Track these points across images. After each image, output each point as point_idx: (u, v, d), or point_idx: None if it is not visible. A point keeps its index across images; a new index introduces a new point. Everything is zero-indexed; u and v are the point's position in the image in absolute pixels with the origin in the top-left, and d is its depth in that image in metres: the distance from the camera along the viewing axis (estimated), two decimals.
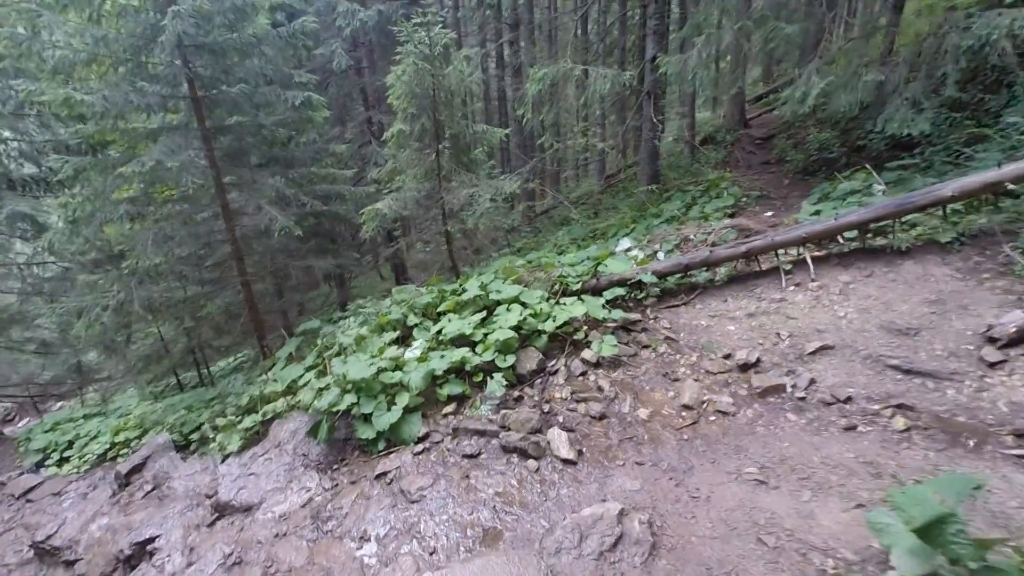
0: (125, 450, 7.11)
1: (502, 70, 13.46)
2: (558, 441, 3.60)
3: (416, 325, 5.41)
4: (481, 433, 3.90)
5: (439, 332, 4.97)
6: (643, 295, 5.64)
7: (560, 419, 3.94)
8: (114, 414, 9.19)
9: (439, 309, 5.43)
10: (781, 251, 5.55)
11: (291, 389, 5.50)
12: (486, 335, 4.70)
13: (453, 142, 6.21)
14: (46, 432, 8.91)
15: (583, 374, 4.42)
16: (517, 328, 4.66)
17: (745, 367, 4.22)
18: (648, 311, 5.38)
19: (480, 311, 5.10)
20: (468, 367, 4.49)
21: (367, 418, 4.18)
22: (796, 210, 7.89)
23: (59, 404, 15.15)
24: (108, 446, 7.39)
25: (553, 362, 4.61)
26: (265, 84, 6.16)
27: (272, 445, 4.49)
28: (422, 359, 4.61)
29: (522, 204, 12.79)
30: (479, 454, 3.73)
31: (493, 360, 4.42)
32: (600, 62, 11.34)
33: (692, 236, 6.98)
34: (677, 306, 5.47)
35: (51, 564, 5.01)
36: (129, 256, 5.51)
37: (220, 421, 5.43)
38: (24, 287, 11.01)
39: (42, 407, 15.19)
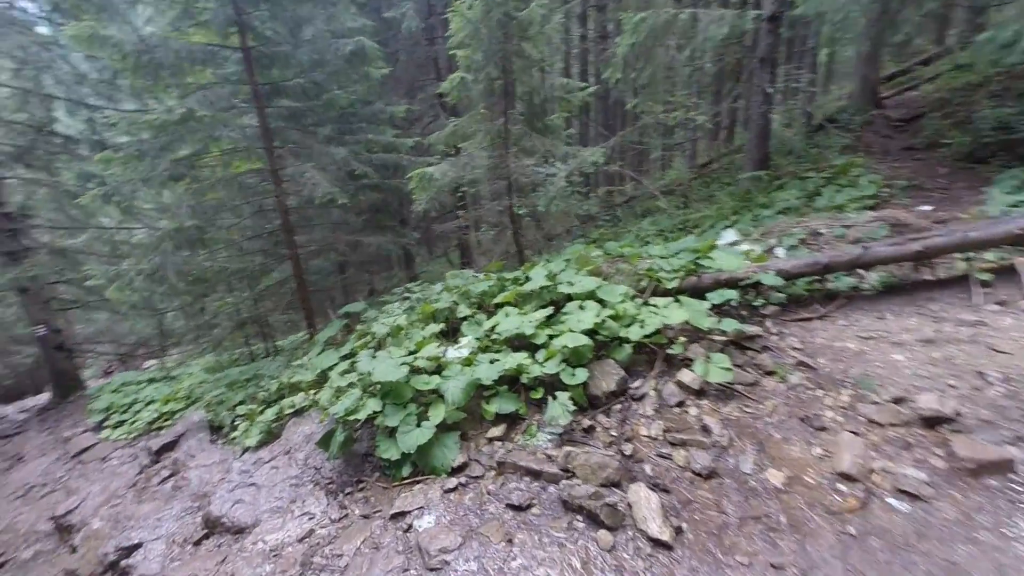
0: (168, 422, 6.87)
1: (584, 29, 12.10)
2: (645, 507, 2.46)
3: (467, 318, 4.45)
4: (535, 475, 2.85)
5: (492, 329, 3.97)
6: (761, 301, 4.28)
7: (647, 470, 2.79)
8: (175, 381, 9.21)
9: (496, 300, 4.43)
10: (972, 254, 3.96)
11: (323, 380, 4.77)
12: (551, 338, 3.63)
13: (526, 101, 5.15)
14: (112, 392, 9.07)
15: (680, 404, 3.22)
16: (592, 333, 3.55)
17: (933, 421, 2.81)
18: (769, 323, 4.03)
19: (545, 306, 4.03)
20: (525, 379, 3.45)
21: (392, 433, 3.27)
22: (967, 204, 6.07)
23: (148, 363, 16.12)
24: (156, 415, 7.21)
25: (638, 383, 3.44)
26: (316, 31, 5.46)
27: (282, 450, 3.74)
28: (468, 362, 3.64)
29: (601, 189, 11.49)
30: (529, 506, 2.68)
31: (558, 373, 3.34)
32: None
33: (823, 230, 5.45)
34: (809, 319, 4.07)
35: (64, 543, 4.66)
36: (168, 220, 5.10)
37: (242, 409, 4.82)
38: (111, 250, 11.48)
39: (132, 365, 16.28)
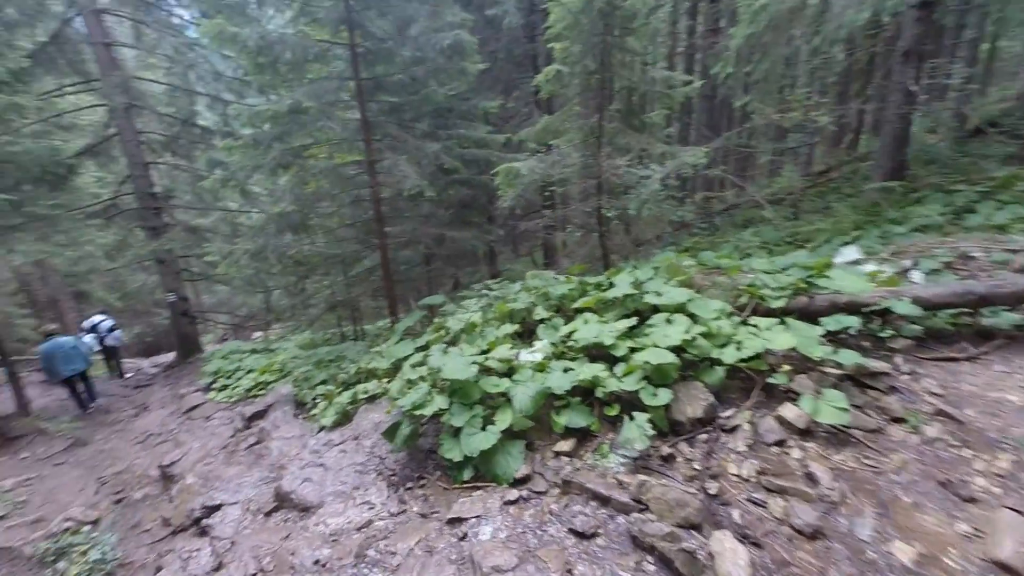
0: (262, 391, 7.45)
1: (694, 22, 11.33)
2: (731, 561, 2.11)
3: (544, 321, 4.26)
4: (603, 500, 2.59)
5: (570, 335, 3.75)
6: (889, 333, 3.62)
7: (736, 516, 2.42)
8: (272, 354, 10.02)
9: (576, 305, 4.19)
10: None
11: (396, 369, 4.85)
12: (632, 351, 3.33)
13: (623, 97, 4.85)
14: (222, 358, 10.07)
15: (780, 444, 2.78)
16: (679, 350, 3.20)
17: None
18: (899, 360, 3.39)
19: (629, 316, 3.73)
20: (600, 392, 3.19)
21: (456, 433, 3.18)
22: None
23: (256, 334, 17.87)
24: (253, 383, 7.86)
25: (729, 412, 3.04)
26: (420, 28, 5.58)
27: (352, 435, 3.81)
28: (540, 367, 3.45)
29: (698, 195, 10.73)
30: (594, 535, 2.43)
31: (637, 391, 3.04)
32: None
33: (976, 254, 4.55)
34: (954, 360, 3.36)
35: (166, 490, 5.17)
36: (272, 204, 5.51)
37: (322, 389, 5.03)
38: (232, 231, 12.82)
39: (242, 335, 18.17)
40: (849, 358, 3.11)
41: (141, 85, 11.43)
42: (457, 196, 7.95)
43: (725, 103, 11.46)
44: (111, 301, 20.38)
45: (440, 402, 3.27)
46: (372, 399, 4.33)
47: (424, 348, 4.65)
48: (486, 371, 3.47)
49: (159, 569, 3.41)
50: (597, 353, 3.53)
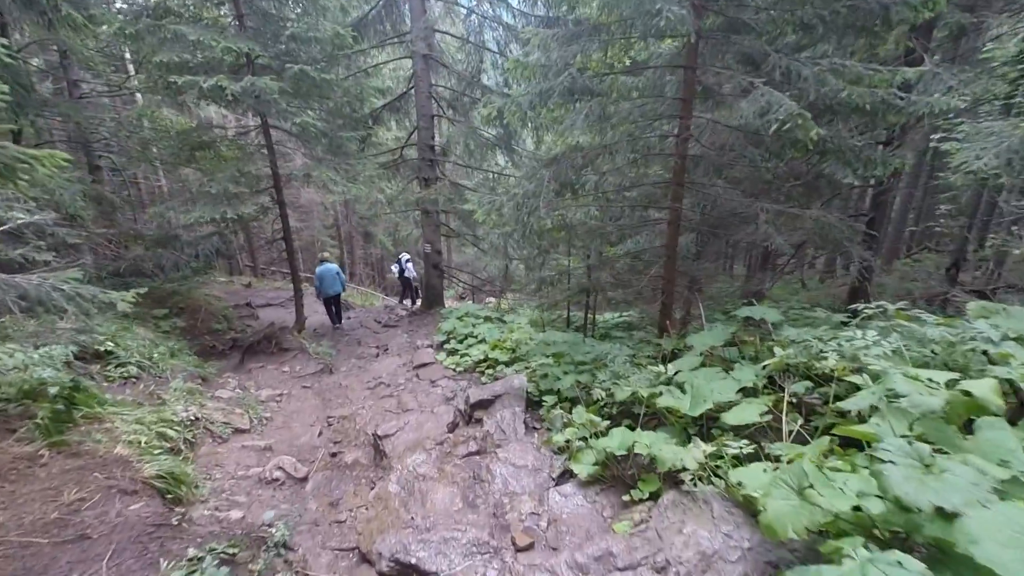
0: (490, 370, 6.38)
1: None
2: None
3: None
4: None
5: None
6: None
7: None
8: (504, 326, 9.18)
9: None
10: None
11: (714, 417, 2.78)
12: None
13: None
14: (457, 319, 9.70)
15: None
16: None
17: None
18: None
19: None
20: None
21: None
22: None
23: (489, 299, 18.33)
24: (482, 357, 6.91)
25: None
26: None
27: (651, 548, 1.88)
28: None
29: None
30: None
31: None
32: None
33: None
34: None
35: (375, 466, 4.29)
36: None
37: (564, 404, 3.31)
38: (492, 195, 12.64)
39: (479, 298, 18.86)
40: None
41: (440, 39, 11.80)
42: (798, 161, 5.30)
43: None
44: (387, 244, 23.90)
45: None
46: (677, 481, 2.37)
47: (767, 393, 2.43)
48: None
49: None
50: None
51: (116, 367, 5.60)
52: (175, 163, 9.42)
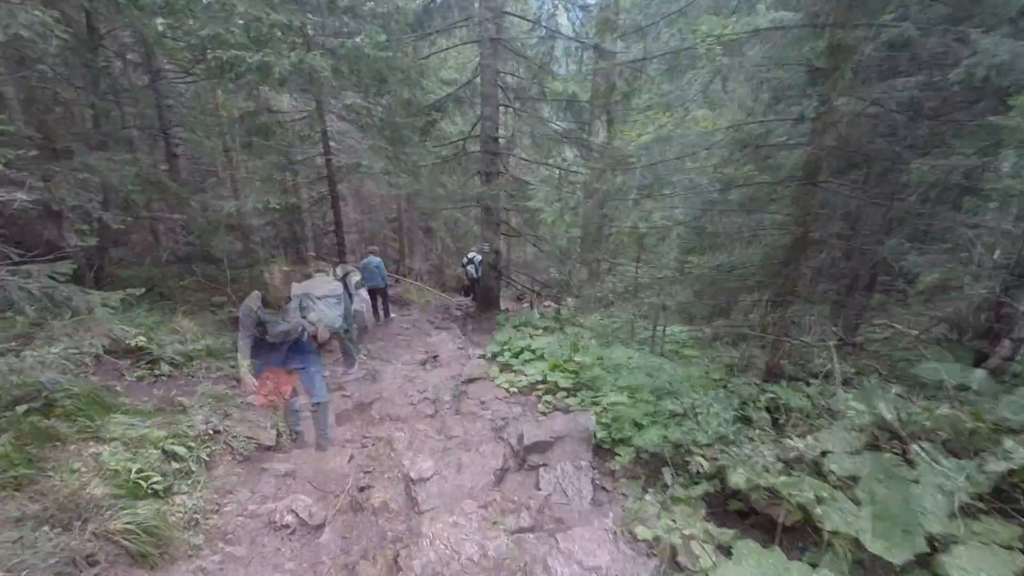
0: (548, 397, 5.47)
1: None
2: None
3: None
4: None
5: None
6: None
7: None
8: (565, 338, 8.21)
9: None
10: None
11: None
12: None
13: None
14: (514, 327, 8.87)
15: None
16: None
17: None
18: None
19: None
20: None
21: None
22: None
23: (546, 302, 17.38)
24: (540, 378, 6.01)
25: None
26: None
27: None
28: None
29: None
30: None
31: None
32: None
33: None
34: None
35: (407, 507, 3.50)
36: None
37: (660, 499, 2.33)
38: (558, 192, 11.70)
39: (538, 301, 17.94)
40: None
41: (509, 24, 10.97)
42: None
43: None
44: (447, 241, 23.52)
45: None
46: None
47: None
48: None
49: None
50: None
51: (147, 364, 5.24)
52: (241, 148, 9.28)
